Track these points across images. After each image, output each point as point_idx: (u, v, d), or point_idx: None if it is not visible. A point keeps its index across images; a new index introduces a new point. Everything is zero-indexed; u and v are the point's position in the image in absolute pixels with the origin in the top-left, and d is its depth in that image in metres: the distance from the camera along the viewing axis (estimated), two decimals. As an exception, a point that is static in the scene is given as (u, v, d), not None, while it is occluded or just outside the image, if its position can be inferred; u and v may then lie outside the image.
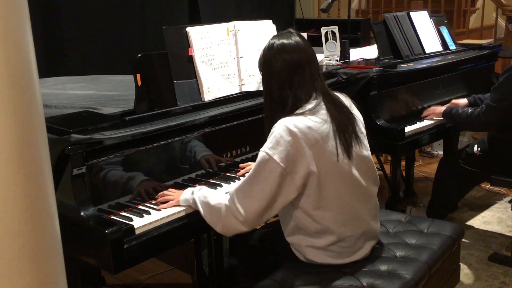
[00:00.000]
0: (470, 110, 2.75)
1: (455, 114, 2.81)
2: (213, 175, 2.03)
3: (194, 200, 1.76)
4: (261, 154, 1.65)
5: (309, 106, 1.69)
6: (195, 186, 1.94)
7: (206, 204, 1.71)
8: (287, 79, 1.70)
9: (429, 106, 3.11)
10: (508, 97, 2.60)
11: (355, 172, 1.73)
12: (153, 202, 1.82)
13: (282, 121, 1.65)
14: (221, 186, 1.94)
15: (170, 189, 1.87)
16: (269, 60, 1.73)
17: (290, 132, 1.61)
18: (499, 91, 2.64)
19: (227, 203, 1.67)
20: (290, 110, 1.70)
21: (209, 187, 1.91)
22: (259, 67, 1.80)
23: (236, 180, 2.00)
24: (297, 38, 1.73)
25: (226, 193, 1.73)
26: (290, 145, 1.61)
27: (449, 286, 2.06)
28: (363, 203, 1.78)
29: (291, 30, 1.78)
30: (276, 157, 1.61)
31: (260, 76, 2.23)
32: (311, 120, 1.65)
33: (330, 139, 1.66)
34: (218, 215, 1.68)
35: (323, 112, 1.68)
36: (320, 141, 1.64)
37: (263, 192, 1.63)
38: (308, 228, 1.74)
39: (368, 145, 1.82)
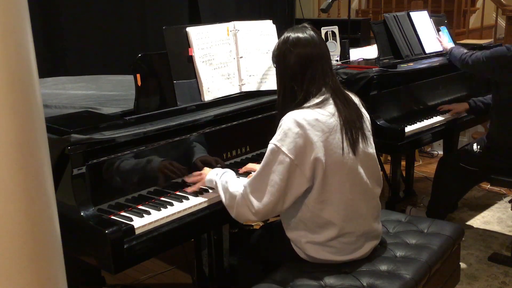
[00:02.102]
0: (464, 54, 2.87)
1: (456, 54, 2.96)
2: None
3: (216, 182, 1.83)
4: (270, 146, 1.68)
5: (317, 100, 1.72)
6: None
7: (226, 189, 1.78)
8: (299, 72, 1.73)
9: (429, 106, 3.12)
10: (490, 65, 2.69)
11: (359, 168, 1.75)
12: (154, 201, 1.82)
13: (290, 114, 1.68)
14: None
15: (200, 171, 1.94)
16: (283, 53, 1.75)
17: (298, 124, 1.64)
18: (487, 58, 2.71)
19: (242, 192, 1.73)
20: (299, 103, 1.73)
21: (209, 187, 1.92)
22: (272, 59, 1.83)
23: (236, 180, 2.00)
24: (312, 33, 1.76)
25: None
26: (298, 137, 1.64)
27: (449, 286, 2.06)
28: (365, 201, 1.79)
29: (306, 24, 1.80)
30: (284, 149, 1.64)
31: (260, 76, 2.23)
32: (318, 113, 1.68)
33: (337, 133, 1.69)
34: (233, 202, 1.75)
35: (330, 107, 1.71)
36: (327, 133, 1.67)
37: (273, 184, 1.67)
38: (309, 222, 1.75)
39: (373, 144, 1.84)
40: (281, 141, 1.65)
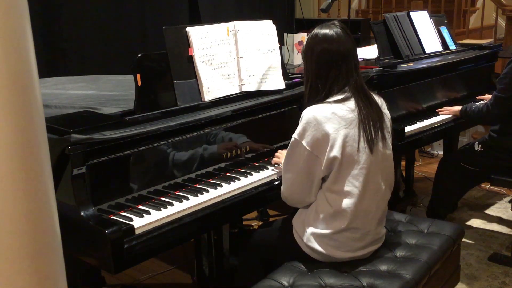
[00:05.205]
0: (481, 105, 2.81)
1: (469, 111, 2.90)
2: (213, 175, 2.03)
3: None
4: (292, 139, 1.79)
5: (338, 97, 1.77)
6: (195, 186, 1.95)
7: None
8: (323, 68, 1.79)
9: (429, 106, 3.12)
10: None
11: (374, 166, 1.78)
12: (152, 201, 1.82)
13: (309, 109, 1.76)
14: (221, 186, 1.94)
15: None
16: (311, 48, 1.81)
17: (315, 118, 1.73)
18: (504, 82, 2.68)
19: None
20: (321, 99, 1.79)
21: (209, 187, 1.92)
22: (301, 54, 1.89)
23: (236, 180, 2.00)
24: (339, 30, 1.80)
25: None
26: (315, 130, 1.72)
27: (449, 286, 2.06)
28: (375, 201, 1.82)
29: (336, 22, 1.84)
30: (304, 142, 1.74)
31: (260, 76, 2.24)
32: (337, 107, 1.74)
33: (354, 127, 1.74)
34: None
35: (351, 103, 1.76)
36: (344, 126, 1.72)
37: (294, 174, 1.80)
38: (320, 210, 1.78)
39: (391, 146, 1.87)
40: (301, 135, 1.75)
